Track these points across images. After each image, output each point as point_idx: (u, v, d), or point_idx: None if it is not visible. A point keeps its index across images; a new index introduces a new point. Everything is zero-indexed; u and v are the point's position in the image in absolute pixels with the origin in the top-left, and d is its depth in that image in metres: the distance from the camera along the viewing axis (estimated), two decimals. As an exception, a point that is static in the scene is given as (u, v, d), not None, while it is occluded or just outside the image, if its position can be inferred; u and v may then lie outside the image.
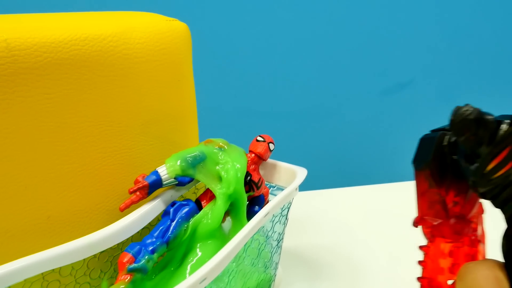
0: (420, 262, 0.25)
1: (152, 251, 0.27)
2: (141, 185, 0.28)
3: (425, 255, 0.25)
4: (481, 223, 0.25)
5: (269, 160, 0.34)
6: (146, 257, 0.26)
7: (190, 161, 0.29)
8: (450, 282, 0.24)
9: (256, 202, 0.33)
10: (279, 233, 0.31)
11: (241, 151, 0.32)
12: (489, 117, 0.19)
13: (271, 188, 0.34)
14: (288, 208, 0.31)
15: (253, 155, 0.33)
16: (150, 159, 0.32)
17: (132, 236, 0.28)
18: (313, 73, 0.76)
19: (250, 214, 0.32)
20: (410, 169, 0.24)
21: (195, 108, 0.36)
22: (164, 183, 0.29)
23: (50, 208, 0.27)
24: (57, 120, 0.26)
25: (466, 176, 0.21)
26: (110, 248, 0.26)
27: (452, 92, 0.85)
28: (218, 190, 0.29)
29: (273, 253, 0.31)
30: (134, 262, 0.26)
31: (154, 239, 0.27)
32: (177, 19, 0.34)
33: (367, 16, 0.76)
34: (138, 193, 0.28)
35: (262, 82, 0.73)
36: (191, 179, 0.30)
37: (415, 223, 0.24)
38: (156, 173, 0.29)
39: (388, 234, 0.31)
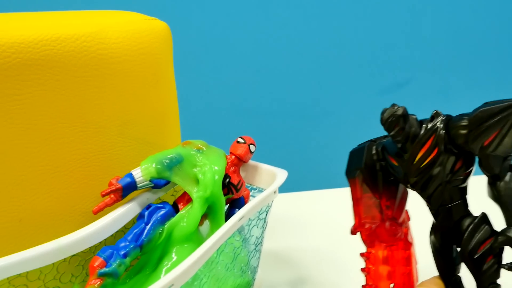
0: (362, 269, 0.26)
1: (125, 255, 0.26)
2: (114, 188, 0.27)
3: (367, 261, 0.26)
4: (409, 228, 0.27)
5: (251, 162, 0.34)
6: (118, 261, 0.26)
7: (166, 163, 0.29)
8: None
9: (236, 205, 0.32)
10: (256, 237, 0.30)
11: (220, 153, 0.31)
12: (413, 116, 0.22)
13: (252, 191, 0.34)
14: (267, 212, 0.31)
15: (233, 157, 0.32)
16: (129, 161, 0.31)
17: (105, 239, 0.27)
18: (306, 72, 0.75)
19: (230, 217, 0.31)
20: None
21: (176, 109, 0.36)
22: (138, 185, 0.28)
23: (22, 211, 0.26)
24: (27, 121, 0.26)
25: (397, 174, 0.23)
26: (82, 251, 0.26)
27: (450, 91, 0.84)
28: (195, 193, 0.29)
29: (250, 257, 0.30)
30: (105, 266, 0.25)
31: (127, 243, 0.27)
32: (157, 18, 0.33)
33: (364, 13, 0.75)
34: (112, 196, 0.28)
35: (252, 80, 0.72)
36: (167, 182, 0.29)
37: (354, 230, 0.25)
38: (130, 175, 0.28)
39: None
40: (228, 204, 0.32)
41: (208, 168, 0.30)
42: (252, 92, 0.73)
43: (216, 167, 0.30)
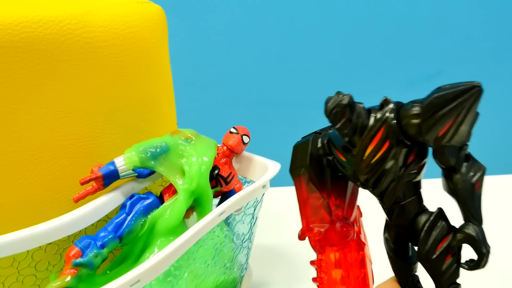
0: (314, 279, 0.24)
1: (102, 246, 0.25)
2: (93, 176, 0.26)
3: (318, 269, 0.23)
4: (362, 226, 0.25)
5: (245, 153, 0.32)
6: (94, 252, 0.25)
7: (150, 152, 0.28)
8: None
9: (227, 198, 0.31)
10: (243, 233, 0.29)
11: (210, 143, 0.30)
12: (360, 105, 0.20)
13: (246, 184, 0.32)
14: (255, 207, 0.29)
15: (224, 147, 0.31)
16: (118, 149, 0.30)
17: (85, 228, 0.27)
18: (328, 62, 0.72)
19: (219, 210, 0.30)
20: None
21: (172, 97, 0.34)
22: (121, 174, 0.27)
23: (4, 196, 0.26)
24: (7, 105, 0.25)
25: (345, 171, 0.21)
26: (59, 240, 0.26)
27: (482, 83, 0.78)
28: (181, 186, 0.28)
29: (236, 253, 0.29)
30: (81, 256, 0.25)
31: (106, 233, 0.26)
32: (151, 1, 0.32)
33: (394, 4, 0.71)
34: (94, 184, 0.27)
35: (267, 68, 0.70)
36: (152, 172, 0.28)
37: (301, 235, 0.23)
38: (112, 163, 0.27)
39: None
40: (219, 197, 0.31)
41: (195, 159, 0.28)
42: (266, 81, 0.71)
43: (204, 158, 0.29)
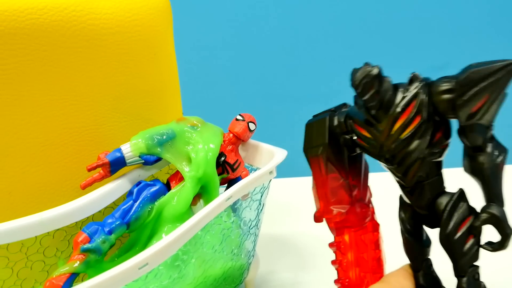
0: (333, 262, 0.23)
1: (110, 232, 0.25)
2: (100, 163, 0.26)
3: (337, 252, 0.23)
4: (374, 207, 0.24)
5: (252, 141, 0.32)
6: (102, 237, 0.25)
7: (156, 139, 0.28)
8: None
9: (233, 185, 0.31)
10: (250, 219, 0.29)
11: (216, 130, 0.30)
12: (388, 78, 0.19)
13: (252, 171, 0.32)
14: (262, 193, 0.29)
15: (231, 135, 0.30)
16: (124, 136, 0.31)
17: (93, 215, 0.27)
18: (332, 54, 0.72)
19: (226, 197, 0.30)
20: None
21: (177, 85, 0.34)
22: (127, 161, 0.27)
23: (12, 184, 0.26)
24: (14, 92, 0.25)
25: (369, 148, 0.20)
26: (68, 226, 0.26)
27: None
28: (187, 173, 0.28)
29: (243, 240, 0.29)
30: (89, 242, 0.25)
31: (114, 220, 0.26)
32: (156, -11, 0.32)
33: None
34: (100, 171, 0.27)
35: (274, 56, 0.70)
36: (158, 158, 0.28)
37: (319, 217, 0.22)
38: (119, 150, 0.27)
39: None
40: (226, 184, 0.31)
41: (201, 146, 0.28)
42: (272, 68, 0.71)
43: (210, 145, 0.28)
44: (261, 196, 0.29)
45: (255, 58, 0.70)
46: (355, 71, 0.19)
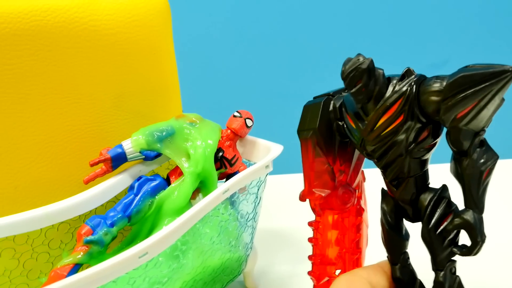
0: (310, 239, 0.24)
1: (111, 225, 0.26)
2: (102, 158, 0.27)
3: (315, 230, 0.23)
4: (364, 192, 0.24)
5: (249, 137, 0.33)
6: (104, 230, 0.26)
7: (156, 135, 0.29)
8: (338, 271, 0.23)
9: (231, 180, 0.32)
10: (247, 212, 0.30)
11: (214, 126, 0.31)
12: (380, 71, 0.19)
13: (250, 166, 0.33)
14: (259, 187, 0.30)
15: (228, 131, 0.31)
16: (125, 133, 0.32)
17: (96, 209, 0.28)
18: (332, 49, 0.72)
19: (224, 192, 0.30)
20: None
21: (176, 83, 0.35)
22: (128, 157, 0.28)
23: (17, 178, 0.27)
24: (19, 91, 0.26)
25: (353, 138, 0.20)
26: (71, 219, 0.27)
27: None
28: (186, 168, 0.29)
29: (241, 232, 0.30)
30: (92, 234, 0.26)
31: (116, 213, 0.27)
32: (155, -10, 0.33)
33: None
34: (102, 166, 0.28)
35: (270, 53, 0.70)
36: (158, 154, 0.29)
37: (302, 197, 0.23)
38: (120, 146, 0.28)
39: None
40: (224, 179, 0.32)
41: (199, 142, 0.29)
42: (269, 66, 0.72)
43: (208, 141, 0.29)
44: (258, 190, 0.30)
45: (252, 57, 0.71)
46: (345, 62, 0.19)
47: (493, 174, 0.18)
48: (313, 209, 0.23)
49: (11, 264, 0.25)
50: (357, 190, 0.23)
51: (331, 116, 0.22)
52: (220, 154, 0.30)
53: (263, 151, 0.32)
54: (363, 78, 0.18)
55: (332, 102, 0.22)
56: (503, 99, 0.16)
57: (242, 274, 0.34)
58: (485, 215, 0.18)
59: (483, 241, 0.18)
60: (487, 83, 0.16)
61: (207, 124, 0.31)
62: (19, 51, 0.26)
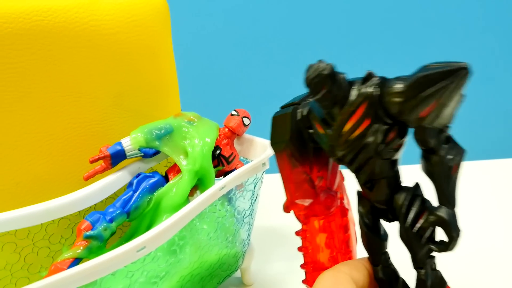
0: (299, 249, 0.24)
1: (111, 220, 0.27)
2: (102, 155, 0.28)
3: (303, 239, 0.23)
4: (345, 191, 0.24)
5: (246, 135, 0.34)
6: (104, 225, 0.27)
7: (155, 133, 0.29)
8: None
9: (229, 178, 0.32)
10: (244, 208, 0.30)
11: (212, 125, 0.32)
12: (342, 75, 0.19)
13: (247, 164, 0.33)
14: (255, 184, 0.30)
15: (226, 129, 0.32)
16: (124, 131, 0.32)
17: (95, 205, 0.28)
18: (331, 52, 0.73)
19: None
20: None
21: (175, 82, 0.36)
22: (127, 154, 0.29)
23: (19, 175, 0.28)
24: (21, 89, 0.27)
25: (323, 144, 0.20)
26: (71, 215, 0.27)
27: (488, 75, 0.79)
28: (184, 166, 0.29)
29: (238, 228, 0.30)
30: (91, 229, 0.26)
31: (115, 209, 0.28)
32: (154, -9, 0.33)
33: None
34: (102, 163, 0.29)
35: (268, 52, 0.71)
36: (157, 152, 0.30)
37: (286, 208, 0.22)
38: (119, 143, 0.29)
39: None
40: (222, 176, 0.33)
41: (197, 141, 0.30)
42: (266, 65, 0.72)
43: (205, 140, 0.30)
44: (255, 187, 0.30)
45: (249, 56, 0.72)
46: (307, 69, 0.19)
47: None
48: (298, 218, 0.23)
49: (13, 258, 0.26)
50: (338, 192, 0.23)
51: (301, 125, 0.21)
52: (218, 152, 0.31)
53: (260, 149, 0.33)
54: (326, 84, 0.18)
55: (299, 110, 0.22)
56: (463, 95, 0.17)
57: (239, 270, 0.35)
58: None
59: (458, 235, 0.18)
60: (445, 82, 0.16)
61: (205, 123, 0.31)
62: (20, 50, 0.26)
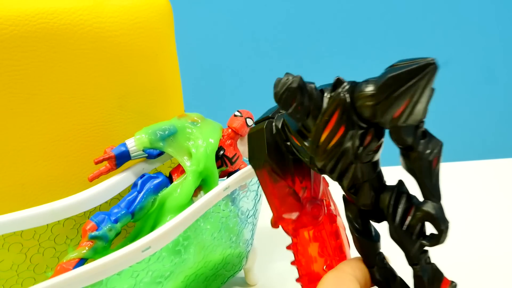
0: (293, 263, 0.23)
1: (115, 221, 0.27)
2: (106, 156, 0.28)
3: (295, 253, 0.23)
4: (330, 196, 0.24)
5: (249, 136, 0.34)
6: (109, 225, 0.27)
7: (159, 134, 0.29)
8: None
9: (232, 178, 0.32)
10: (248, 208, 0.30)
11: (216, 126, 0.32)
12: (311, 85, 0.18)
13: (250, 165, 0.34)
14: (259, 184, 0.31)
15: (229, 130, 0.32)
16: (128, 132, 0.32)
17: (100, 205, 0.29)
18: (330, 51, 0.73)
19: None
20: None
21: (179, 83, 0.36)
22: (132, 155, 0.29)
23: (24, 176, 0.28)
24: (26, 91, 0.27)
25: (302, 156, 0.20)
26: (77, 216, 0.27)
27: (490, 73, 0.78)
28: (188, 167, 0.29)
29: (241, 228, 0.30)
30: (97, 230, 0.27)
31: (119, 209, 0.28)
32: (158, -7, 0.33)
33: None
34: (107, 164, 0.29)
35: (271, 53, 0.71)
36: (161, 152, 0.30)
37: (274, 224, 0.22)
38: (124, 145, 0.29)
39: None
40: (226, 177, 0.33)
41: (201, 141, 0.30)
42: (269, 66, 0.73)
43: (209, 140, 0.30)
44: (258, 187, 0.31)
45: (252, 57, 0.72)
46: (275, 84, 0.19)
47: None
48: (287, 232, 0.23)
49: (19, 258, 0.26)
50: (324, 199, 0.23)
51: (277, 138, 0.21)
52: (221, 152, 0.31)
53: (263, 149, 0.33)
54: (296, 97, 0.18)
55: (273, 124, 0.21)
56: (433, 89, 0.16)
57: (242, 270, 0.35)
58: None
59: (447, 228, 0.18)
60: (414, 79, 0.16)
61: (209, 123, 0.31)
62: (26, 52, 0.26)
